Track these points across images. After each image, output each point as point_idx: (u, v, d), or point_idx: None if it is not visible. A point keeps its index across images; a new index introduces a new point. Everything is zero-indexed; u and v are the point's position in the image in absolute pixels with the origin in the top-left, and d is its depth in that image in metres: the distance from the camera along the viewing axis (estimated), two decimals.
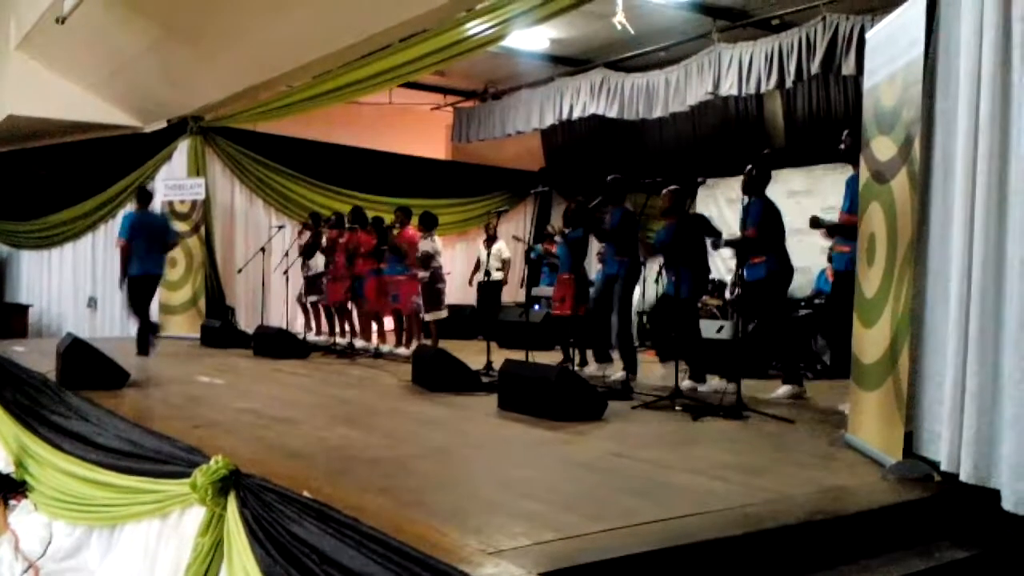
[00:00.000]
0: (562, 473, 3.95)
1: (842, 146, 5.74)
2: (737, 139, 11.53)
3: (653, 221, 9.19)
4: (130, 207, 9.29)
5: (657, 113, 10.83)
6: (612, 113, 11.38)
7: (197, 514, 3.08)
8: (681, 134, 12.47)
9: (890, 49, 4.30)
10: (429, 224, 9.51)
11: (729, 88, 9.57)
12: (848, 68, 8.15)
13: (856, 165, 5.06)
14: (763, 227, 6.15)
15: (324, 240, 10.55)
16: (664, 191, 6.96)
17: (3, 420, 5.69)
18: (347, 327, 10.37)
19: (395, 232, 9.67)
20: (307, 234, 10.94)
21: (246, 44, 9.64)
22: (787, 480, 3.71)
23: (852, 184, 5.37)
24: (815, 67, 8.46)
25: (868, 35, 4.89)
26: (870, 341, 4.28)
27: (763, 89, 9.37)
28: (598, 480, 3.76)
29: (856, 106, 4.82)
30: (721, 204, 11.62)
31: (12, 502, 5.18)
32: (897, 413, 3.82)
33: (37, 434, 5.02)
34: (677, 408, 5.64)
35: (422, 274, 9.29)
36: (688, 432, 5.05)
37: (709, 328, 7.88)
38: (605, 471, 3.94)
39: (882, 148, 4.28)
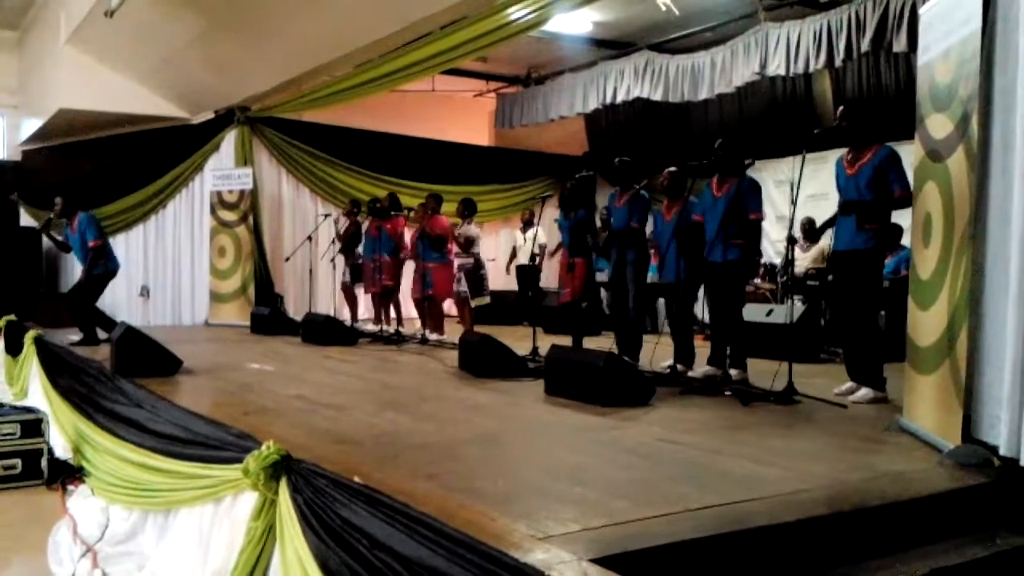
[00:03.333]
0: (610, 459, 3.92)
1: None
2: (785, 120, 11.35)
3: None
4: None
5: (703, 95, 10.71)
6: (657, 96, 11.27)
7: (249, 499, 3.11)
8: (727, 116, 12.31)
9: (944, 24, 4.18)
10: (469, 210, 9.49)
11: (776, 68, 9.42)
12: (900, 45, 7.97)
13: None
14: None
15: (365, 227, 10.60)
16: (664, 171, 6.82)
17: (61, 408, 5.82)
18: (393, 314, 10.42)
19: (417, 217, 9.69)
20: (346, 221, 11.01)
21: (290, 34, 9.71)
22: (840, 465, 3.65)
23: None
24: (865, 45, 8.29)
25: (921, 10, 4.76)
26: (926, 324, 4.18)
27: (811, 68, 9.21)
28: (647, 466, 3.73)
29: (908, 84, 4.70)
30: (769, 186, 11.46)
31: (70, 487, 5.31)
32: (955, 397, 3.74)
33: (93, 421, 5.13)
34: (726, 393, 5.58)
35: (461, 261, 9.26)
36: (737, 417, 4.99)
37: (758, 312, 7.79)
38: (653, 457, 3.91)
39: (937, 126, 4.17)
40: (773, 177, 11.28)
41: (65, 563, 4.21)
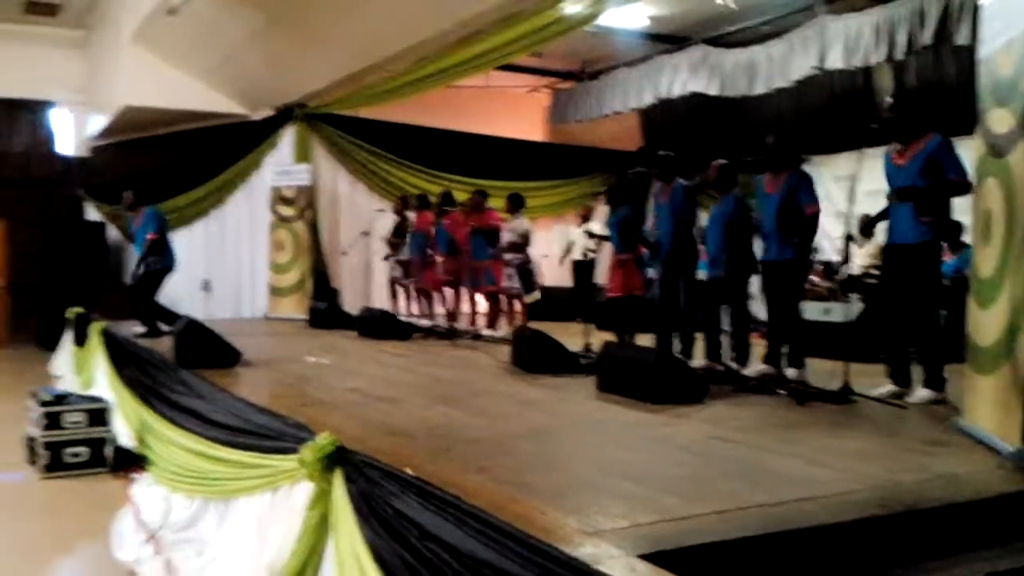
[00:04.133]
0: (661, 455, 3.93)
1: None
2: (844, 114, 11.16)
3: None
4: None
5: (759, 89, 10.57)
6: (713, 90, 11.17)
7: (305, 489, 3.18)
8: (784, 110, 12.13)
9: (1008, 15, 4.08)
10: (517, 204, 9.47)
11: (835, 62, 9.27)
12: (962, 37, 7.78)
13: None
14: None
15: (413, 223, 10.68)
16: (712, 165, 6.71)
17: (125, 397, 5.99)
18: (445, 309, 10.49)
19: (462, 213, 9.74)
20: (395, 217, 11.12)
21: (347, 31, 9.84)
22: (895, 466, 3.60)
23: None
24: (927, 37, 8.11)
25: (983, 2, 4.65)
26: (986, 323, 4.09)
27: (871, 62, 9.03)
28: (698, 463, 3.73)
29: (971, 77, 4.58)
30: (827, 181, 11.27)
31: (134, 475, 5.48)
32: (1015, 398, 3.66)
33: (156, 411, 5.27)
34: (780, 392, 5.52)
35: (511, 256, 9.26)
36: (792, 416, 4.94)
37: (816, 310, 7.68)
38: (705, 454, 3.90)
39: (999, 120, 4.07)
40: (832, 173, 11.09)
41: (128, 549, 4.34)
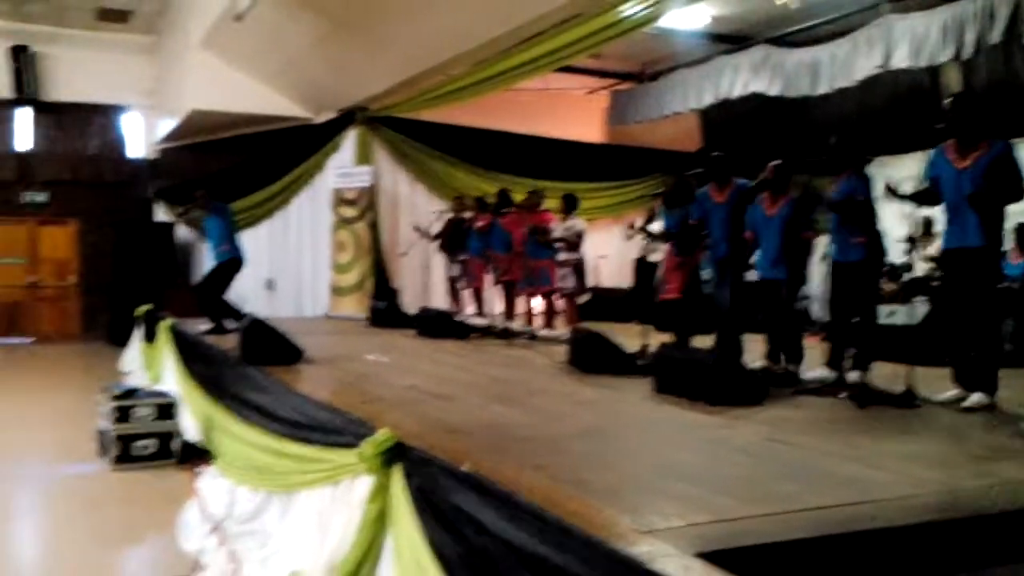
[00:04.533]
0: (718, 457, 3.91)
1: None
2: (909, 114, 10.93)
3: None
4: None
5: (822, 89, 10.43)
6: (774, 91, 11.05)
7: (365, 483, 3.24)
8: (848, 110, 11.92)
9: None
10: (571, 205, 9.47)
11: (900, 61, 9.10)
12: None
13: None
14: None
15: (472, 223, 10.75)
16: (768, 165, 6.60)
17: (192, 392, 6.16)
18: (502, 309, 10.53)
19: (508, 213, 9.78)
20: (449, 217, 11.22)
21: (408, 35, 9.97)
22: (958, 471, 3.53)
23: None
24: (996, 35, 7.91)
25: None
26: None
27: (938, 61, 8.84)
28: (755, 465, 3.71)
29: None
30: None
31: (200, 468, 5.63)
32: None
33: (222, 406, 5.41)
34: (842, 395, 5.45)
35: (567, 255, 9.26)
36: (853, 420, 4.86)
37: (879, 313, 7.54)
38: (762, 456, 3.88)
39: None
40: (897, 174, 10.87)
41: (194, 539, 4.48)
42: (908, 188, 7.98)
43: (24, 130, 14.87)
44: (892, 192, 5.54)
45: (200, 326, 9.33)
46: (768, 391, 5.35)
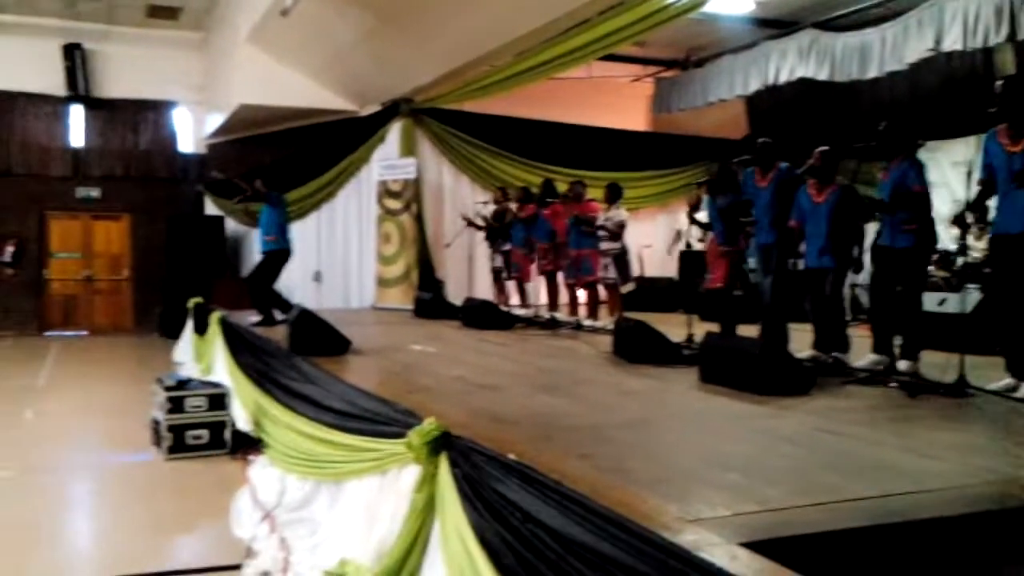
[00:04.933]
0: (765, 447, 3.88)
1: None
2: (962, 98, 10.68)
3: (867, 188, 8.66)
4: None
5: (871, 73, 10.22)
6: (822, 76, 10.86)
7: (412, 472, 3.28)
8: (898, 95, 11.68)
9: None
10: (615, 195, 9.42)
11: (953, 43, 8.87)
12: None
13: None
14: None
15: (515, 214, 10.75)
16: (815, 152, 6.48)
17: (243, 383, 6.27)
18: (546, 299, 10.53)
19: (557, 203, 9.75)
20: (493, 208, 11.24)
21: (452, 26, 9.99)
22: (1014, 462, 3.47)
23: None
24: None
25: None
26: None
27: (991, 43, 8.61)
28: (803, 455, 3.67)
29: None
30: (945, 167, 10.83)
31: (251, 457, 5.74)
32: None
33: (272, 396, 5.50)
34: (892, 384, 5.37)
35: (608, 245, 9.21)
36: (903, 409, 4.79)
37: (930, 301, 7.41)
38: (811, 446, 3.84)
39: None
40: (949, 159, 10.65)
41: (246, 527, 4.57)
42: (956, 175, 7.83)
43: (77, 127, 15.20)
44: (875, 205, 5.51)
45: (250, 318, 9.46)
46: (816, 380, 5.29)
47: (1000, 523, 2.79)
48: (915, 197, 5.70)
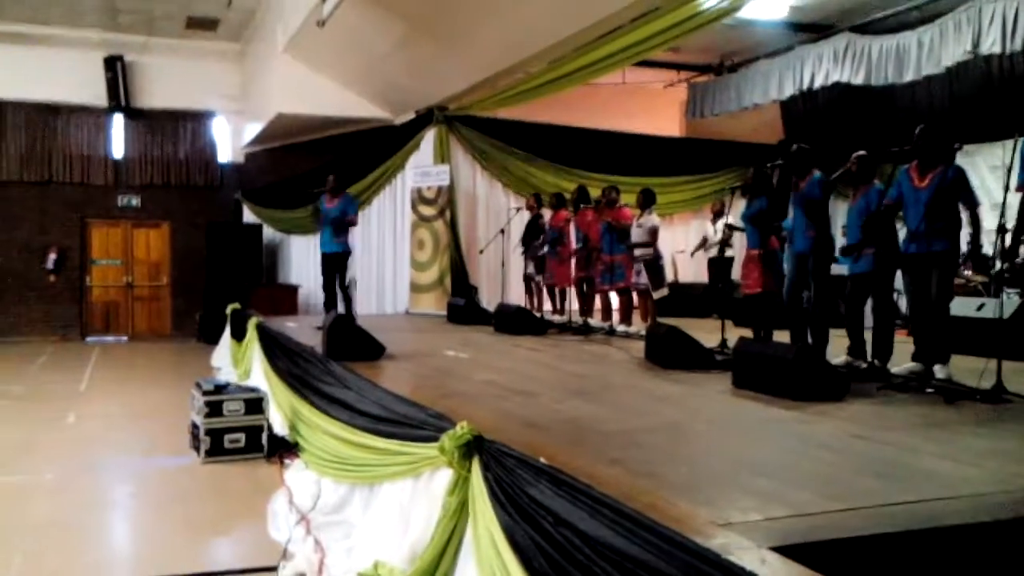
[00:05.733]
0: (798, 452, 3.87)
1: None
2: (1001, 101, 10.54)
3: None
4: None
5: (908, 77, 10.14)
6: (858, 80, 10.78)
7: (445, 475, 3.32)
8: (936, 99, 11.56)
9: None
10: (649, 200, 9.40)
11: (991, 46, 8.78)
12: None
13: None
14: None
15: (548, 220, 10.78)
16: (852, 156, 6.42)
17: (279, 388, 6.36)
18: (579, 306, 10.52)
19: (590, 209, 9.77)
20: (528, 215, 11.27)
21: (486, 35, 10.05)
22: None
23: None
24: None
25: None
26: None
27: None
28: (837, 461, 3.66)
29: None
30: (983, 171, 10.70)
31: (287, 460, 5.81)
32: None
33: (307, 400, 5.58)
34: (928, 390, 5.32)
35: (641, 252, 9.18)
36: (939, 416, 4.74)
37: (968, 306, 7.33)
38: (844, 452, 3.82)
39: None
40: (987, 162, 10.53)
41: (282, 529, 4.63)
42: (994, 179, 7.70)
43: (118, 137, 15.50)
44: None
45: (287, 324, 9.58)
46: (850, 386, 5.25)
47: None
48: (957, 216, 5.68)
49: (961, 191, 5.71)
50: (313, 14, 10.68)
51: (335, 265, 9.89)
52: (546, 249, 10.77)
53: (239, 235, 15.13)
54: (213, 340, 10.47)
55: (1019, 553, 2.73)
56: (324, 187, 9.85)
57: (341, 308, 9.72)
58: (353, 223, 9.94)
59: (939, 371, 5.76)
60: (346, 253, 10.00)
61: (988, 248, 9.09)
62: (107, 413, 8.27)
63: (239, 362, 8.38)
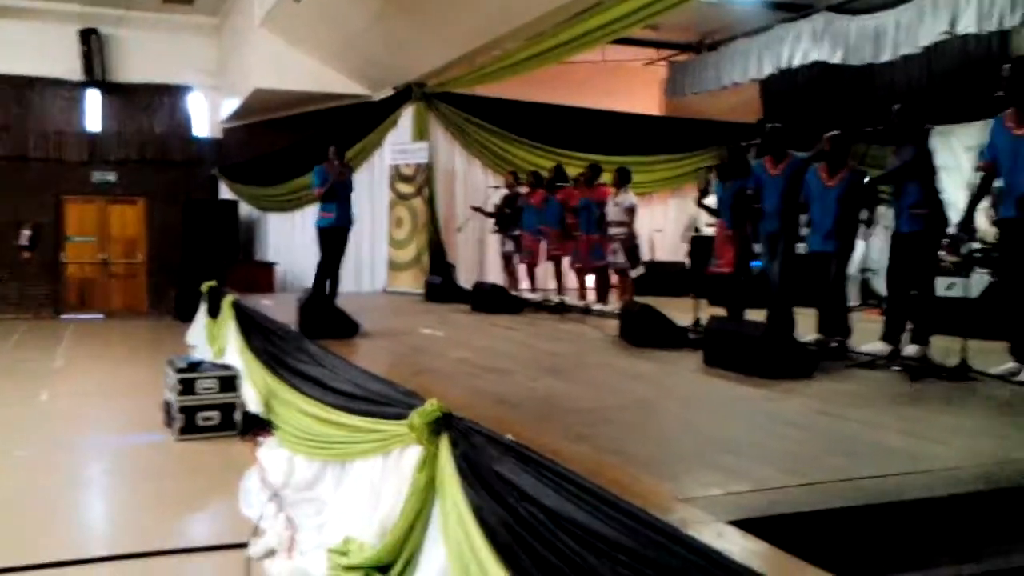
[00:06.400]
0: (765, 429, 3.91)
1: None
2: (978, 81, 10.58)
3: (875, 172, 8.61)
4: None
5: (886, 57, 10.17)
6: (836, 59, 10.81)
7: (415, 453, 3.34)
8: (914, 78, 11.59)
9: None
10: (624, 179, 9.39)
11: (968, 26, 8.81)
12: None
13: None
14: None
15: (526, 198, 10.77)
16: (825, 137, 6.44)
17: (253, 365, 6.35)
18: (555, 284, 10.54)
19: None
20: (504, 192, 11.27)
21: (464, 11, 9.99)
22: (1009, 443, 3.49)
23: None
24: None
25: None
26: None
27: (1007, 25, 8.54)
28: (802, 437, 3.70)
29: None
30: (959, 152, 10.76)
31: (260, 438, 5.82)
32: None
33: (281, 378, 5.58)
34: (895, 368, 5.38)
35: (617, 230, 9.20)
36: (904, 393, 4.81)
37: (939, 285, 7.39)
38: (811, 428, 3.87)
39: None
40: (963, 143, 10.57)
41: (255, 506, 4.65)
42: (969, 159, 7.78)
43: (94, 111, 15.31)
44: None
45: (263, 301, 9.54)
46: (818, 364, 5.31)
47: (990, 503, 2.82)
48: (933, 192, 5.69)
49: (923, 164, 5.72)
50: None
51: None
52: (523, 227, 10.77)
53: (216, 212, 15.02)
54: (189, 318, 10.42)
55: (980, 525, 2.79)
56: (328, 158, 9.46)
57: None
58: (319, 194, 9.56)
59: (910, 349, 5.82)
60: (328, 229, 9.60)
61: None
62: (81, 391, 8.24)
63: (214, 340, 8.35)
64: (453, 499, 2.95)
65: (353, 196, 9.89)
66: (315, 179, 9.48)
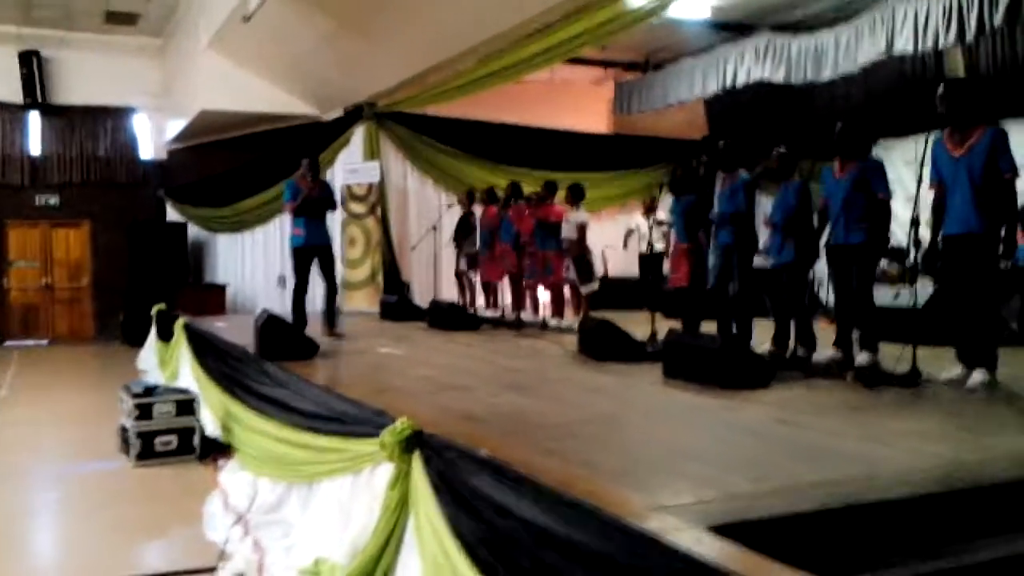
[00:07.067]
0: (726, 438, 4.01)
1: None
2: (915, 98, 10.93)
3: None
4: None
5: (826, 75, 10.43)
6: (778, 78, 11.05)
7: (385, 471, 3.35)
8: (853, 96, 11.92)
9: None
10: (577, 196, 9.51)
11: (904, 45, 9.08)
12: None
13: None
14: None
15: (480, 217, 10.84)
16: (773, 153, 6.65)
17: (210, 389, 6.28)
18: (512, 301, 10.60)
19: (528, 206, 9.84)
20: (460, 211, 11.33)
21: (415, 31, 10.04)
22: (962, 446, 3.63)
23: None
24: (998, 19, 7.91)
25: None
26: None
27: (941, 45, 8.84)
28: (763, 445, 3.80)
29: None
30: (899, 165, 11.07)
31: (221, 462, 5.75)
32: None
33: (241, 400, 5.52)
34: (849, 376, 5.54)
35: (570, 247, 9.29)
36: (858, 400, 4.96)
37: (885, 295, 7.62)
38: (770, 437, 3.97)
39: None
40: (902, 157, 10.89)
41: (219, 530, 4.59)
42: (909, 172, 8.05)
43: (35, 134, 15.01)
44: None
45: (216, 323, 9.43)
46: (775, 374, 5.44)
47: (945, 505, 2.93)
48: (879, 206, 5.89)
49: (875, 181, 5.92)
50: (238, 9, 10.52)
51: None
52: (478, 245, 10.82)
53: (163, 234, 14.79)
54: (138, 342, 10.24)
55: (936, 525, 2.89)
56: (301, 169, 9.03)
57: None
58: (288, 209, 9.15)
59: (861, 357, 5.98)
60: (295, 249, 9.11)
61: (903, 239, 9.43)
62: (30, 419, 8.04)
63: (166, 364, 8.24)
64: (427, 515, 2.97)
65: (287, 219, 9.30)
66: (286, 192, 9.11)
